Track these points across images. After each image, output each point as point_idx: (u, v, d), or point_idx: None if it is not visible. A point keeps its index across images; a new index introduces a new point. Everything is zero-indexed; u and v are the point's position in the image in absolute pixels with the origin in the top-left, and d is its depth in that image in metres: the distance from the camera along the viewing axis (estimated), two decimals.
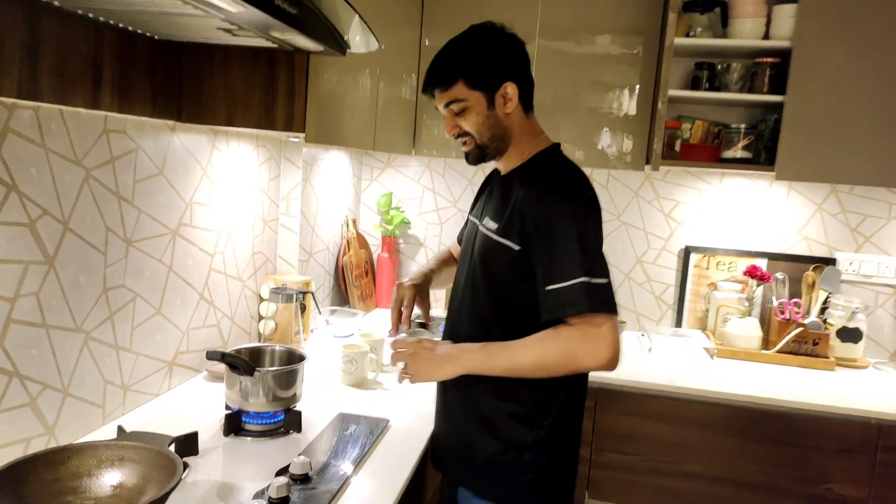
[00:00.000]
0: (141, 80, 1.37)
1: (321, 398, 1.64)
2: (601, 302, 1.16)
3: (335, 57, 1.50)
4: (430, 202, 2.78)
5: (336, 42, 1.27)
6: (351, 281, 2.55)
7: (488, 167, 1.48)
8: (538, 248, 1.22)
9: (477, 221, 1.43)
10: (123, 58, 1.31)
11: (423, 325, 1.50)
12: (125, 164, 1.40)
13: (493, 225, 1.33)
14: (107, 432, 1.34)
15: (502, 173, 1.41)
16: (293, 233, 2.17)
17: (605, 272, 1.19)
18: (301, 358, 1.46)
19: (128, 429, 1.31)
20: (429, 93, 1.34)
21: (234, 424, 1.37)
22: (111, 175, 1.36)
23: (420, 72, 2.34)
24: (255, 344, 1.54)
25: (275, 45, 1.29)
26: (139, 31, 1.30)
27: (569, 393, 1.32)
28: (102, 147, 1.33)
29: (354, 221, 2.70)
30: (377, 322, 2.49)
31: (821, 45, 2.07)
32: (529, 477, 1.29)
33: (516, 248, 1.26)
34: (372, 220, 2.82)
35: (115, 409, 1.43)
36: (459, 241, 1.69)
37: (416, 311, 1.55)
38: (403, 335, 1.42)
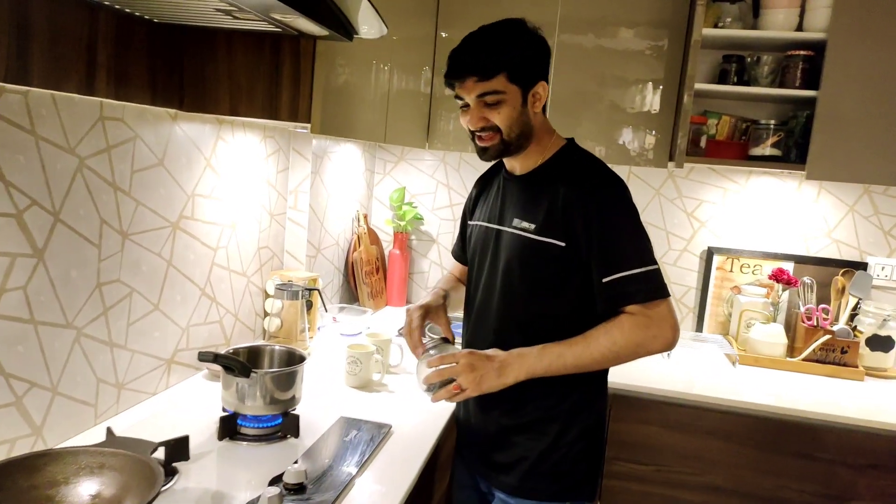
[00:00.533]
0: (139, 65, 1.31)
1: (323, 400, 1.58)
2: (658, 287, 1.22)
3: (344, 45, 1.43)
4: (444, 197, 2.71)
5: (342, 26, 1.20)
6: (361, 278, 2.48)
7: (483, 166, 1.46)
8: (592, 242, 1.22)
9: (495, 225, 1.37)
10: (120, 42, 1.25)
11: (446, 341, 1.38)
12: (122, 154, 1.34)
13: (527, 225, 1.29)
14: (98, 433, 1.29)
15: (518, 172, 1.36)
16: (301, 227, 2.10)
17: (654, 258, 1.24)
18: (301, 359, 1.39)
19: (119, 430, 1.26)
20: (459, 80, 1.25)
21: (229, 428, 1.31)
22: (107, 164, 1.30)
23: (436, 64, 2.27)
24: (254, 343, 1.49)
25: (278, 30, 1.22)
26: (136, 14, 1.24)
27: (602, 382, 1.38)
28: (97, 135, 1.27)
29: (366, 216, 2.63)
30: (387, 321, 2.42)
31: (858, 38, 1.96)
32: (583, 466, 1.33)
33: (561, 244, 1.24)
34: (384, 216, 2.75)
35: (109, 409, 1.38)
36: (457, 257, 1.65)
37: (436, 328, 1.47)
38: (431, 352, 1.31)
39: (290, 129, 1.98)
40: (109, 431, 1.19)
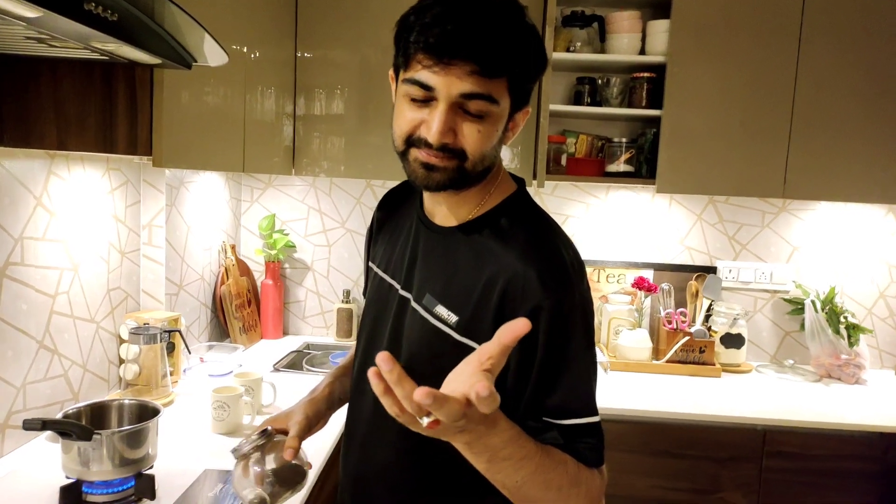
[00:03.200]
0: None
1: (185, 453, 1.46)
2: (602, 450, 0.90)
3: (194, 70, 1.35)
4: (316, 223, 2.63)
5: (177, 54, 1.12)
6: (231, 312, 2.35)
7: (375, 188, 1.31)
8: (541, 364, 0.87)
9: (399, 288, 1.01)
10: None
11: (265, 434, 1.05)
12: None
13: (445, 314, 0.93)
14: None
15: (440, 222, 0.99)
16: (158, 264, 1.96)
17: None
18: (154, 412, 1.28)
19: None
20: (446, 58, 0.82)
21: (73, 498, 1.18)
22: None
23: (297, 85, 2.19)
24: (98, 400, 1.35)
25: (106, 58, 1.13)
26: None
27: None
28: None
29: (233, 247, 2.51)
30: (261, 356, 2.31)
31: (693, 59, 2.12)
32: None
33: None
34: (254, 245, 2.63)
35: None
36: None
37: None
38: (245, 450, 1.03)
39: (135, 161, 1.84)
40: None
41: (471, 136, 0.86)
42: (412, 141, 0.88)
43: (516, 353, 0.85)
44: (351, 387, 1.10)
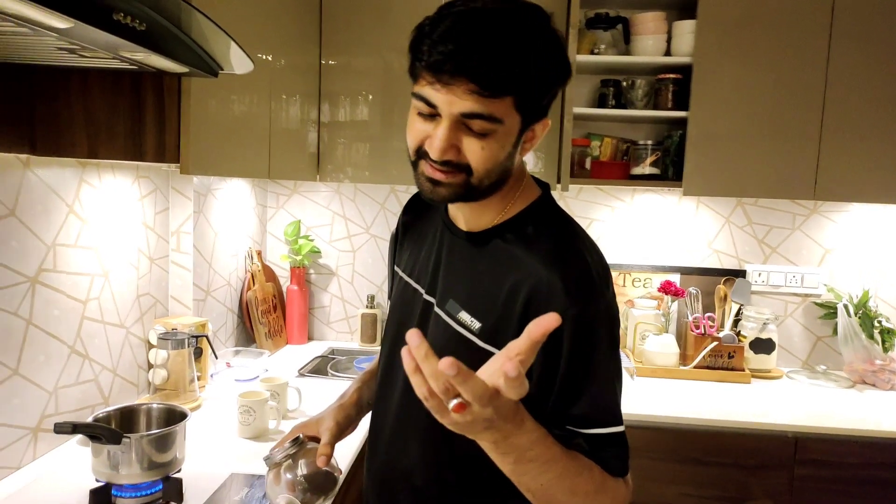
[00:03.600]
0: None
1: (212, 457, 1.48)
2: (627, 460, 0.89)
3: (220, 78, 1.36)
4: (341, 229, 2.65)
5: (204, 62, 1.14)
6: (257, 317, 2.37)
7: (400, 193, 1.31)
8: (566, 373, 0.85)
9: (423, 293, 1.01)
10: None
11: (296, 442, 1.06)
12: None
13: (469, 320, 0.92)
14: None
15: (465, 227, 0.98)
16: (186, 270, 1.99)
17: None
18: (182, 416, 1.29)
19: None
20: (447, 77, 0.82)
21: (103, 500, 1.19)
22: None
23: (322, 92, 2.22)
24: (127, 403, 1.37)
25: (134, 67, 1.15)
26: None
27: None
28: None
29: (259, 253, 2.53)
30: (286, 361, 2.32)
31: (720, 60, 2.09)
32: None
33: None
34: (279, 251, 2.66)
35: None
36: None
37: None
38: (278, 459, 1.06)
39: (164, 169, 1.87)
40: None
41: (474, 153, 0.85)
42: (421, 153, 0.89)
43: (540, 361, 0.84)
44: (376, 390, 1.10)
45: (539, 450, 0.76)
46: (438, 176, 0.88)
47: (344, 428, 1.10)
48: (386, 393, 1.04)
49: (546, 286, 0.86)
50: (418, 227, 1.11)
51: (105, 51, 1.00)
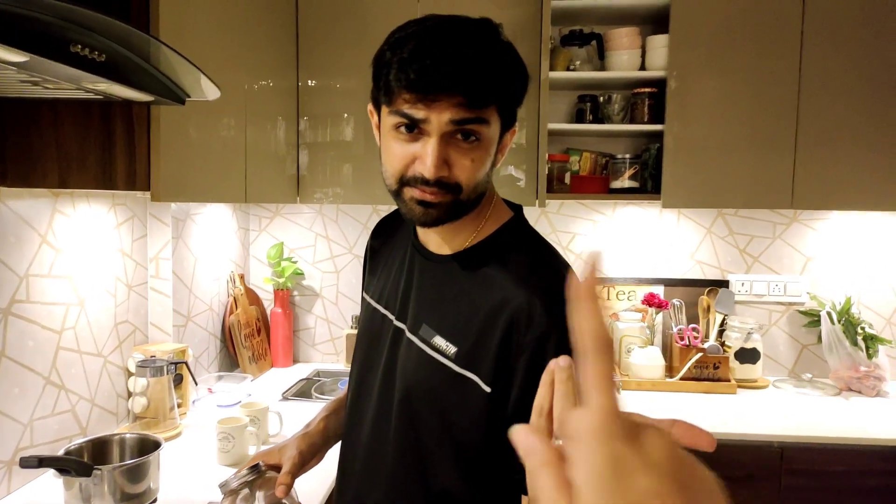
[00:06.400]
0: None
1: (190, 485, 1.46)
2: None
3: (190, 104, 1.37)
4: (324, 250, 2.64)
5: (169, 90, 1.14)
6: (240, 341, 2.36)
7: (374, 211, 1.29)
8: (528, 395, 0.82)
9: (393, 319, 0.99)
10: None
11: (255, 469, 1.02)
12: None
13: (443, 344, 0.90)
14: None
15: (435, 249, 0.96)
16: (165, 296, 1.97)
17: None
18: (156, 445, 1.28)
19: None
20: (431, 94, 0.81)
21: None
22: None
23: (302, 113, 2.22)
24: (99, 435, 1.35)
25: (100, 97, 1.15)
26: None
27: None
28: None
29: (242, 277, 2.52)
30: (270, 385, 2.30)
31: (694, 73, 2.11)
32: None
33: (485, 388, 0.86)
34: (263, 274, 2.65)
35: None
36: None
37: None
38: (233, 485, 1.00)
39: (141, 196, 1.86)
40: None
41: (464, 167, 0.85)
42: (406, 180, 0.86)
43: (521, 381, 0.84)
44: (345, 421, 1.08)
45: None
46: (430, 197, 0.85)
47: (308, 458, 1.06)
48: (355, 422, 1.02)
49: (528, 307, 0.85)
50: (386, 251, 1.09)
51: (68, 82, 1.00)
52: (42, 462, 1.08)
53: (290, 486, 0.99)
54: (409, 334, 0.95)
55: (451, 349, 0.89)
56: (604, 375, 0.31)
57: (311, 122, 2.23)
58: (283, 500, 0.98)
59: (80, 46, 0.87)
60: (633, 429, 0.30)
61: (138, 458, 1.22)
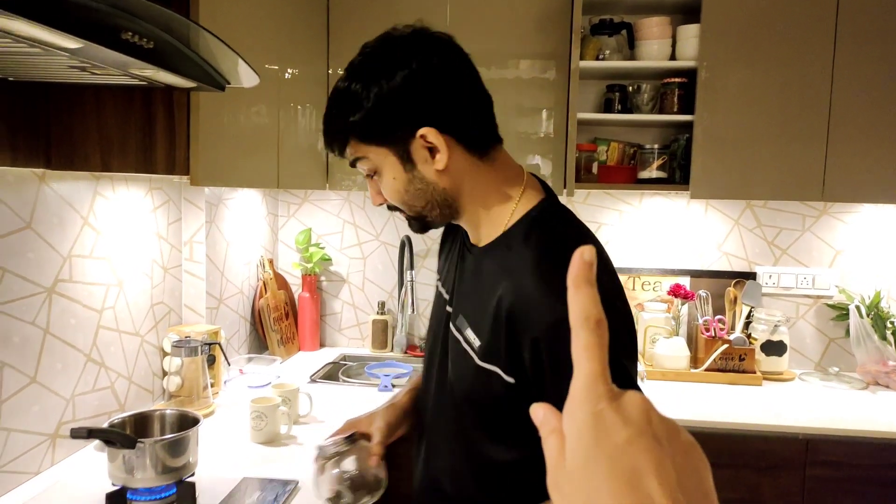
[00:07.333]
0: None
1: (225, 461, 1.51)
2: None
3: (228, 91, 1.40)
4: (351, 236, 2.68)
5: (211, 77, 1.17)
6: (269, 325, 2.41)
7: None
8: (544, 385, 0.84)
9: (447, 306, 1.03)
10: None
11: (351, 439, 1.08)
12: None
13: (472, 337, 0.92)
14: None
15: (473, 241, 1.00)
16: (199, 279, 2.03)
17: None
18: (195, 421, 1.32)
19: None
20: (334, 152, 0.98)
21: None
22: None
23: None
24: (141, 410, 1.40)
25: (144, 83, 1.18)
26: None
27: None
28: None
29: (271, 261, 2.57)
30: (298, 367, 2.35)
31: (725, 63, 2.10)
32: None
33: (509, 379, 0.88)
34: (291, 259, 2.69)
35: None
36: None
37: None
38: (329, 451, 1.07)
39: (175, 180, 1.91)
40: None
41: (386, 194, 0.96)
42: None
43: (533, 375, 0.85)
44: (420, 391, 1.13)
45: None
46: (401, 216, 0.99)
47: (395, 429, 1.11)
48: (424, 392, 1.08)
49: (525, 295, 0.84)
50: (451, 238, 1.13)
51: (115, 68, 1.03)
52: (91, 433, 1.13)
53: (380, 456, 1.05)
54: (451, 324, 1.00)
55: (476, 343, 0.92)
56: (589, 345, 0.34)
57: None
58: (374, 469, 1.04)
59: (130, 34, 0.90)
60: (615, 392, 0.34)
61: (179, 433, 1.27)
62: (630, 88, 2.32)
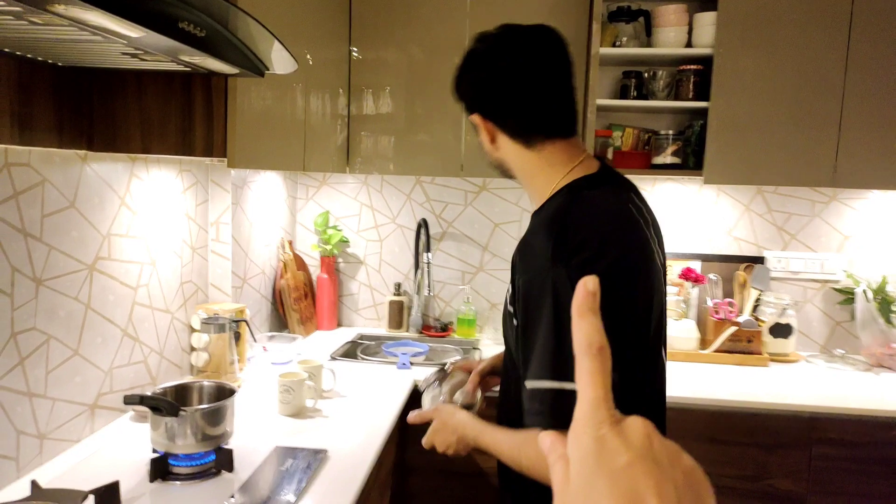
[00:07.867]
0: (44, 109, 1.29)
1: (256, 432, 1.58)
2: (559, 417, 0.90)
3: (254, 78, 1.45)
4: (368, 219, 2.74)
5: (252, 64, 1.22)
6: (289, 305, 2.48)
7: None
8: (520, 329, 1.00)
9: None
10: (23, 86, 1.23)
11: (442, 370, 1.31)
12: (30, 199, 1.31)
13: (510, 287, 1.09)
14: (22, 487, 1.25)
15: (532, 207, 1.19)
16: (225, 259, 2.09)
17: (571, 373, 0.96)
18: (231, 392, 1.39)
19: (45, 481, 1.22)
20: None
21: (161, 469, 1.30)
22: (15, 211, 1.27)
23: (351, 86, 2.30)
24: (181, 381, 1.47)
25: (188, 69, 1.23)
26: (39, 59, 1.22)
27: None
28: (3, 182, 1.24)
29: (290, 243, 2.63)
30: (317, 346, 2.42)
31: (740, 51, 2.14)
32: None
33: (516, 322, 1.04)
34: (309, 241, 2.75)
35: (32, 460, 1.34)
36: None
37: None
38: (433, 383, 1.31)
39: (206, 162, 1.97)
40: (35, 484, 1.16)
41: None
42: None
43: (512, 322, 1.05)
44: None
45: (484, 440, 1.09)
46: None
47: (497, 368, 1.27)
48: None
49: (519, 247, 1.04)
50: None
51: (165, 55, 1.08)
52: (143, 400, 1.20)
53: (476, 385, 1.25)
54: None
55: (510, 291, 1.08)
56: (592, 371, 0.36)
57: (358, 95, 2.31)
58: (467, 390, 1.24)
59: (186, 23, 0.95)
60: (617, 416, 0.35)
61: (217, 402, 1.34)
62: (646, 75, 2.36)
